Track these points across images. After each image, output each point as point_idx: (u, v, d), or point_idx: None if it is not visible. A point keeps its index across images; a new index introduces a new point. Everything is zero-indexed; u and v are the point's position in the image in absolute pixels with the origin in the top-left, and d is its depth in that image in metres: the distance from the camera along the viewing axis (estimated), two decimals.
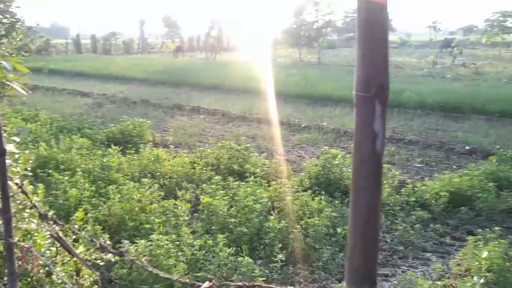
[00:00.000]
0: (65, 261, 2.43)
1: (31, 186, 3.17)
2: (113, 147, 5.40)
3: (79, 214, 2.80)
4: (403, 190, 4.66)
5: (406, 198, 4.48)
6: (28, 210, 2.25)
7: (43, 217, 2.25)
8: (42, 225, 2.33)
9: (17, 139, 2.23)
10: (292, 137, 7.71)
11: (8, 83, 1.73)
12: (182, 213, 3.65)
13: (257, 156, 5.58)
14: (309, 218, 3.70)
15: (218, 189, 4.11)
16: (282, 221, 3.61)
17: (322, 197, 4.16)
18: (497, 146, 6.10)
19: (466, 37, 41.23)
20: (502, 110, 9.29)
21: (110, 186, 4.05)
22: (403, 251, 3.58)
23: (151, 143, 6.67)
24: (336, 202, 4.15)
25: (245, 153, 5.46)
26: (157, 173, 5.02)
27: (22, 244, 2.09)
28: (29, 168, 2.47)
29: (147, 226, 3.45)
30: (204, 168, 5.09)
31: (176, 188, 4.48)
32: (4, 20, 8.78)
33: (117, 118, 8.27)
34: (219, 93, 13.18)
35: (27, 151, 3.46)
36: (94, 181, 4.42)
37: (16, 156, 2.30)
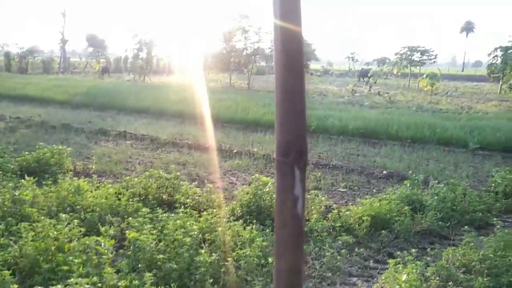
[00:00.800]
0: None
1: None
2: (27, 178, 4.91)
3: None
4: (329, 216, 4.86)
5: (332, 224, 4.67)
6: None
7: None
8: None
9: None
10: (224, 163, 7.70)
11: None
12: (105, 251, 3.40)
13: (188, 185, 5.46)
14: (240, 249, 3.67)
15: (146, 222, 3.92)
16: (214, 254, 3.54)
17: (254, 226, 4.18)
18: (410, 171, 6.67)
19: (380, 68, 45.24)
20: (412, 136, 10.24)
21: (23, 223, 3.66)
22: (331, 277, 3.69)
23: (71, 172, 6.21)
24: (267, 230, 4.19)
25: (175, 182, 5.31)
26: (78, 207, 4.65)
27: None
28: None
29: (65, 267, 3.15)
30: (131, 199, 4.84)
31: (99, 223, 4.18)
32: None
33: (33, 144, 7.59)
34: (148, 117, 12.81)
35: None
36: (3, 217, 3.97)
37: None
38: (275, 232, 1.09)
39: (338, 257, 3.88)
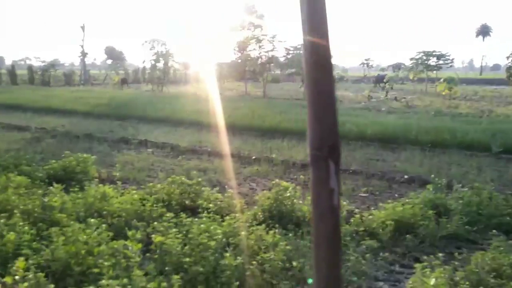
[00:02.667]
0: None
1: None
2: (55, 185, 5.07)
3: (20, 264, 2.57)
4: (352, 220, 4.83)
5: (355, 228, 4.65)
6: None
7: None
8: None
9: None
10: (243, 169, 7.75)
11: None
12: (133, 254, 3.48)
13: (210, 191, 5.53)
14: (264, 253, 3.69)
15: (171, 227, 3.99)
16: (238, 257, 3.57)
17: (276, 231, 4.20)
18: (432, 175, 6.58)
19: (396, 73, 44.71)
20: (432, 140, 10.07)
21: (53, 228, 3.77)
22: (357, 281, 3.67)
23: (96, 179, 6.34)
24: (290, 235, 4.20)
25: (197, 188, 5.38)
26: (104, 212, 4.77)
27: None
28: None
29: (95, 270, 3.24)
30: (155, 205, 4.93)
31: (126, 228, 4.28)
32: None
33: (58, 153, 7.80)
34: (167, 126, 13.01)
35: None
36: (34, 223, 4.10)
37: None
38: (313, 224, 1.12)
39: (363, 262, 3.86)
